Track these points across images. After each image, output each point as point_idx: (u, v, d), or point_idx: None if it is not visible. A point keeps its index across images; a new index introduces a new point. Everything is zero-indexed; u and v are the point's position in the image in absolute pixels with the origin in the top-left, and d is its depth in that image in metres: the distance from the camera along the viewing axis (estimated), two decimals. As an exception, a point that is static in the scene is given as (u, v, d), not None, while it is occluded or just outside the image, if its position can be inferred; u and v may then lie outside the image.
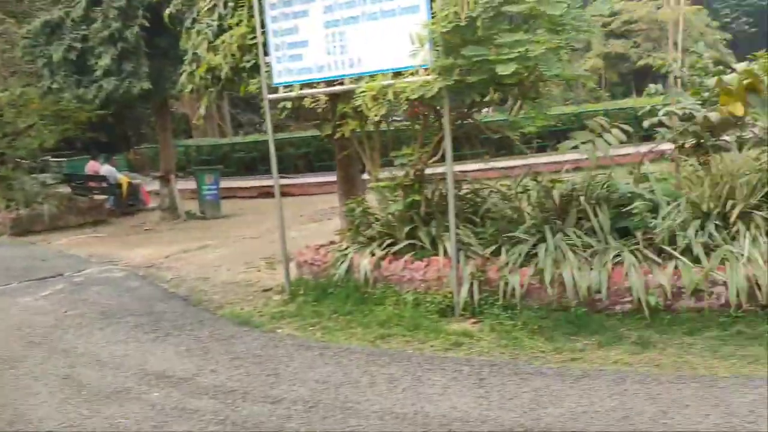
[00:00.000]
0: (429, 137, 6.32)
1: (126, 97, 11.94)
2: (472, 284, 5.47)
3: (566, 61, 5.83)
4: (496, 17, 5.23)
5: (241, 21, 6.85)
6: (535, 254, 5.48)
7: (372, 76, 5.69)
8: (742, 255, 4.99)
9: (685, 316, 4.93)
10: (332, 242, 7.00)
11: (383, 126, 6.59)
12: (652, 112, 6.51)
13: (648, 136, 7.76)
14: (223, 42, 7.03)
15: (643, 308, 4.99)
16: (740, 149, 6.20)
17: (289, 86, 6.27)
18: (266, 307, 6.30)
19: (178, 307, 6.60)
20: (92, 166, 16.09)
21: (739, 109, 5.70)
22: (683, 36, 7.78)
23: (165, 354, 5.18)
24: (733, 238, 5.22)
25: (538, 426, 3.58)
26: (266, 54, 6.33)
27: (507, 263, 5.47)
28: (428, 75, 5.32)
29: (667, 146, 6.83)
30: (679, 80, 7.09)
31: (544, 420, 3.64)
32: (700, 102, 6.39)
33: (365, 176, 7.40)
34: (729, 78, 5.84)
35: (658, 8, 29.11)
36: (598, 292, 5.16)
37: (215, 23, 7.39)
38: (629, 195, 5.88)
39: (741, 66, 5.93)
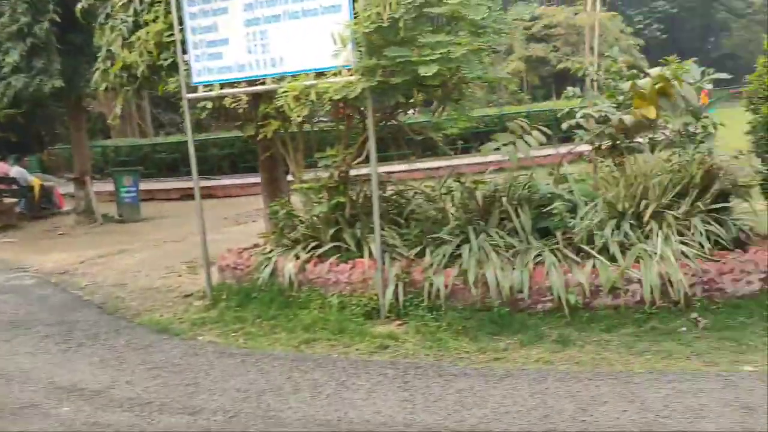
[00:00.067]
0: (354, 138, 6.27)
1: (37, 95, 11.35)
2: (397, 286, 5.45)
3: (488, 64, 5.91)
4: (419, 18, 5.23)
5: (157, 17, 6.60)
6: (459, 255, 5.52)
7: (294, 76, 5.59)
8: (655, 253, 5.16)
9: (602, 314, 5.06)
10: (256, 245, 6.85)
11: (307, 127, 6.49)
12: (570, 114, 6.68)
13: (567, 138, 7.99)
14: (139, 39, 6.76)
15: (563, 307, 5.09)
16: (653, 151, 6.43)
17: (209, 86, 6.09)
18: (187, 314, 6.09)
19: (93, 316, 6.30)
20: (1, 168, 15.21)
21: (651, 113, 5.91)
22: (599, 41, 8.03)
23: (77, 366, 4.92)
24: (647, 237, 5.40)
25: (462, 428, 3.58)
26: (185, 52, 6.12)
27: (431, 264, 5.49)
28: (351, 75, 5.27)
29: (585, 147, 7.03)
30: (595, 83, 7.32)
31: (468, 421, 3.64)
32: (615, 105, 6.60)
33: (290, 178, 7.28)
34: (642, 82, 6.05)
35: (576, 14, 30.14)
36: (521, 291, 5.23)
37: (130, 19, 7.09)
38: (549, 195, 6.01)
39: (653, 71, 6.16)
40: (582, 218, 5.60)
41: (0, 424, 3.95)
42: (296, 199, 6.74)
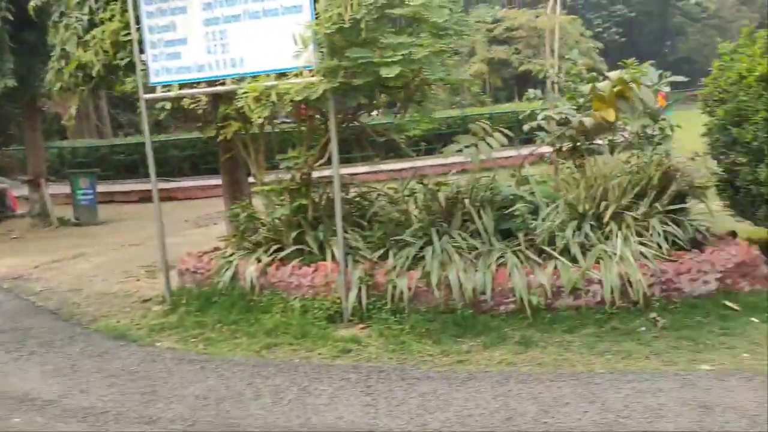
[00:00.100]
0: (316, 140, 6.21)
1: (-11, 94, 11.01)
2: (360, 289, 5.41)
3: (451, 65, 5.91)
4: (380, 20, 5.21)
5: (114, 16, 6.44)
6: (423, 257, 5.51)
7: (255, 76, 5.51)
8: (615, 254, 5.22)
9: (564, 314, 5.10)
10: (217, 249, 6.74)
11: (268, 128, 6.41)
12: (532, 116, 6.73)
13: (529, 139, 8.04)
14: (95, 38, 6.59)
15: (525, 308, 5.11)
16: (612, 152, 6.52)
17: (167, 86, 5.96)
18: (145, 319, 5.95)
19: (47, 322, 6.11)
20: (-49, 170, 14.74)
21: (611, 115, 5.98)
22: (560, 44, 8.11)
23: (29, 374, 4.76)
24: (607, 238, 5.46)
25: (425, 432, 3.56)
26: (142, 51, 5.98)
27: (395, 267, 5.46)
28: (313, 77, 5.21)
29: (546, 149, 7.09)
30: (556, 86, 7.38)
31: (431, 425, 3.62)
32: (575, 107, 6.66)
33: (252, 180, 7.18)
34: (602, 85, 6.11)
35: (537, 17, 30.52)
36: (483, 293, 5.24)
37: (86, 17, 6.90)
38: (511, 197, 6.04)
39: (613, 74, 6.23)
40: (543, 220, 5.64)
41: (-54, 438, 3.80)
42: (258, 202, 6.64)
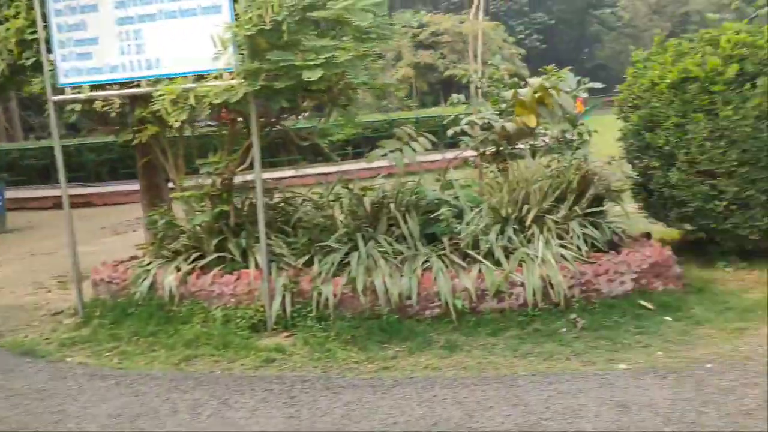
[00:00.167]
0: (238, 144, 6.05)
1: None
2: (284, 296, 5.29)
3: (378, 69, 5.88)
4: (303, 22, 5.11)
5: (19, 13, 6.06)
6: (348, 263, 5.44)
7: (172, 78, 5.32)
8: (537, 256, 5.31)
9: (488, 318, 5.14)
10: (134, 257, 6.47)
11: (187, 132, 6.20)
12: (456, 121, 6.78)
13: (454, 143, 8.11)
14: (-2, 35, 6.20)
15: (450, 312, 5.12)
16: (533, 157, 6.65)
17: (78, 87, 5.67)
18: (55, 333, 5.63)
19: (-54, 340, 5.70)
20: None
21: (532, 121, 6.09)
22: (484, 49, 8.23)
23: (-77, 397, 4.41)
24: (529, 241, 5.54)
25: (350, 442, 3.50)
26: (50, 51, 5.67)
27: (320, 273, 5.37)
28: (233, 79, 5.07)
29: (471, 153, 7.17)
30: (479, 91, 7.49)
31: (355, 435, 3.56)
32: (498, 112, 6.77)
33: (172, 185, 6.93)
34: (523, 91, 6.22)
35: (462, 22, 31.01)
36: (409, 298, 5.22)
37: (-12, 14, 6.49)
38: (436, 201, 6.06)
39: (533, 81, 6.35)
40: (468, 224, 5.68)
41: None
42: (179, 208, 6.41)
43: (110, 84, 5.61)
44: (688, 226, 6.41)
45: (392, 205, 6.02)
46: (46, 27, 5.61)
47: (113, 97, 5.87)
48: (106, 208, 14.18)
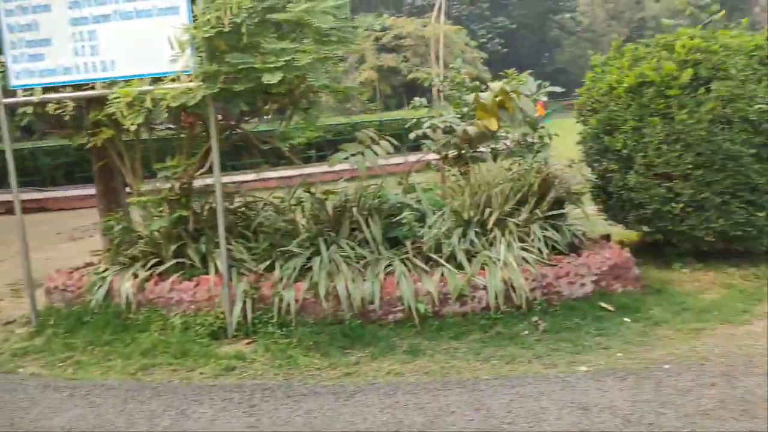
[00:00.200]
0: (198, 147, 5.94)
1: None
2: (245, 302, 5.21)
3: (341, 72, 5.83)
4: (262, 24, 5.05)
5: (-33, 12, 5.87)
6: (310, 268, 5.39)
7: (127, 81, 5.19)
8: (499, 260, 5.33)
9: (451, 321, 5.13)
10: (89, 264, 6.30)
11: (145, 135, 6.07)
12: (418, 124, 6.78)
13: (417, 147, 8.12)
14: (-55, 35, 5.98)
15: (413, 316, 5.11)
16: (495, 160, 6.68)
17: (30, 89, 5.50)
18: (6, 343, 5.44)
19: None
20: None
21: (493, 124, 6.12)
22: (446, 53, 8.25)
23: None
24: (491, 244, 5.56)
25: (311, 451, 3.44)
26: (1, 52, 5.50)
27: (281, 278, 5.30)
28: (191, 81, 4.98)
29: (433, 156, 7.17)
30: (441, 94, 7.50)
31: (317, 444, 3.51)
32: (459, 116, 6.79)
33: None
34: (485, 95, 6.25)
35: (424, 26, 31.16)
36: (372, 302, 5.19)
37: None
38: (399, 205, 6.04)
39: (494, 85, 6.38)
40: (430, 227, 5.67)
41: None
42: (137, 213, 6.26)
43: (64, 86, 5.46)
44: (646, 228, 6.51)
45: (355, 209, 5.98)
46: (-5, 27, 5.43)
47: (67, 99, 5.70)
48: (62, 213, 13.80)
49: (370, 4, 45.10)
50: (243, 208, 6.41)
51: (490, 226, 5.70)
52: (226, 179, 10.17)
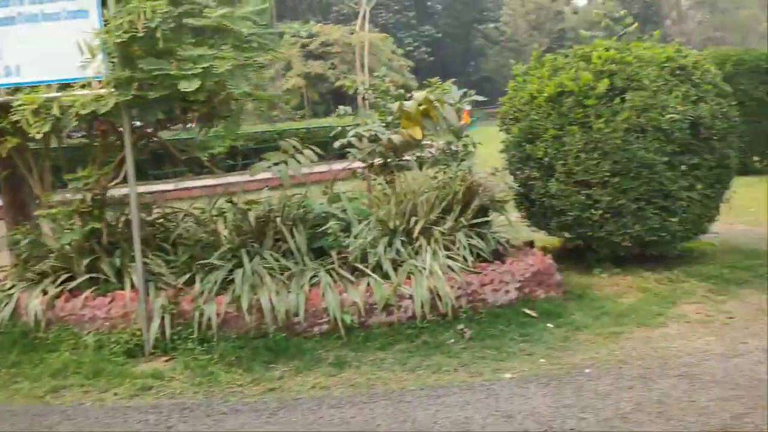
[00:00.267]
0: (113, 156, 5.68)
1: None
2: (163, 318, 4.99)
3: (267, 79, 5.69)
4: (179, 29, 4.89)
5: None
6: (232, 281, 5.23)
7: (33, 87, 4.91)
8: (425, 268, 5.32)
9: (378, 332, 5.08)
10: (-6, 281, 5.92)
11: (55, 143, 5.76)
12: (343, 133, 6.72)
13: (345, 155, 8.07)
14: None
15: (339, 327, 5.03)
16: (420, 168, 6.69)
17: (-75, 95, 5.13)
18: None
19: None
20: None
21: (417, 133, 6.14)
22: (373, 61, 8.23)
23: None
24: (417, 253, 5.55)
25: (231, 473, 3.31)
26: None
27: (202, 292, 5.12)
28: (102, 88, 4.75)
29: (359, 164, 7.13)
30: (367, 102, 7.47)
31: (237, 465, 3.38)
32: (384, 124, 6.77)
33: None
34: (409, 104, 6.26)
35: (352, 33, 31.17)
36: (297, 315, 5.07)
37: None
38: (324, 215, 5.96)
39: (418, 94, 6.40)
40: (356, 237, 5.61)
41: None
42: (48, 226, 5.93)
43: (-38, 92, 5.12)
44: (567, 234, 6.66)
45: (279, 219, 5.86)
46: None
47: (-34, 106, 5.35)
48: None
49: (297, 11, 44.90)
50: (161, 220, 6.18)
51: (416, 234, 5.68)
52: (147, 189, 9.81)
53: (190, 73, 4.67)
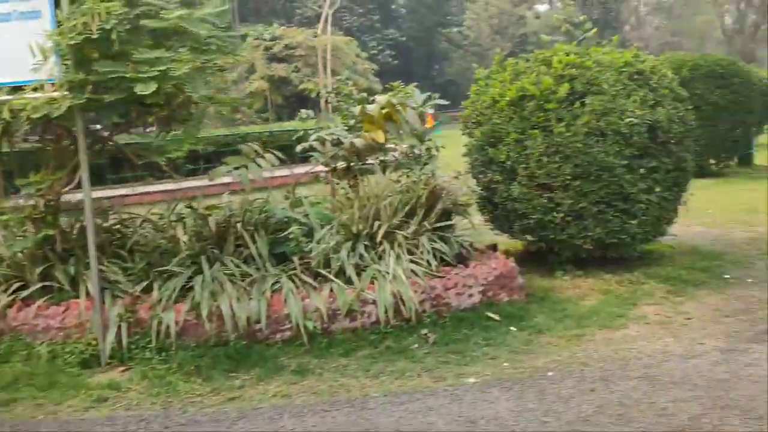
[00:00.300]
0: (69, 160, 5.52)
1: None
2: (120, 327, 4.86)
3: (230, 82, 5.60)
4: (135, 31, 4.77)
5: None
6: (192, 288, 5.12)
7: (-18, 89, 4.76)
8: (388, 273, 5.29)
9: (341, 338, 5.02)
10: (-58, 290, 5.69)
11: (5, 147, 5.58)
12: (305, 136, 6.66)
13: (307, 159, 8.01)
14: None
15: (302, 334, 4.96)
16: (384, 172, 6.66)
17: None
18: None
19: None
20: None
21: (380, 137, 6.11)
22: (338, 64, 8.19)
23: None
24: (380, 257, 5.51)
25: (190, 486, 3.23)
26: None
27: (160, 300, 5.00)
28: (55, 91, 4.61)
29: (322, 168, 7.07)
30: (330, 105, 7.42)
31: (196, 478, 3.29)
32: (347, 128, 6.73)
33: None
34: (371, 108, 6.23)
35: (315, 36, 31.05)
36: (258, 321, 4.99)
37: None
38: (286, 220, 5.88)
39: (380, 97, 6.37)
40: (318, 242, 5.56)
41: None
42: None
43: None
44: (530, 237, 6.70)
45: (239, 225, 5.76)
46: None
47: None
48: None
49: (260, 14, 44.59)
50: (118, 226, 6.02)
51: (379, 239, 5.64)
52: (105, 194, 9.59)
53: (146, 76, 4.56)
